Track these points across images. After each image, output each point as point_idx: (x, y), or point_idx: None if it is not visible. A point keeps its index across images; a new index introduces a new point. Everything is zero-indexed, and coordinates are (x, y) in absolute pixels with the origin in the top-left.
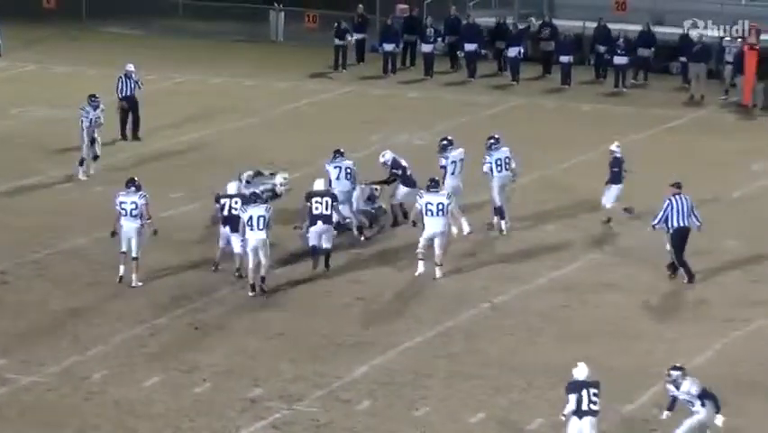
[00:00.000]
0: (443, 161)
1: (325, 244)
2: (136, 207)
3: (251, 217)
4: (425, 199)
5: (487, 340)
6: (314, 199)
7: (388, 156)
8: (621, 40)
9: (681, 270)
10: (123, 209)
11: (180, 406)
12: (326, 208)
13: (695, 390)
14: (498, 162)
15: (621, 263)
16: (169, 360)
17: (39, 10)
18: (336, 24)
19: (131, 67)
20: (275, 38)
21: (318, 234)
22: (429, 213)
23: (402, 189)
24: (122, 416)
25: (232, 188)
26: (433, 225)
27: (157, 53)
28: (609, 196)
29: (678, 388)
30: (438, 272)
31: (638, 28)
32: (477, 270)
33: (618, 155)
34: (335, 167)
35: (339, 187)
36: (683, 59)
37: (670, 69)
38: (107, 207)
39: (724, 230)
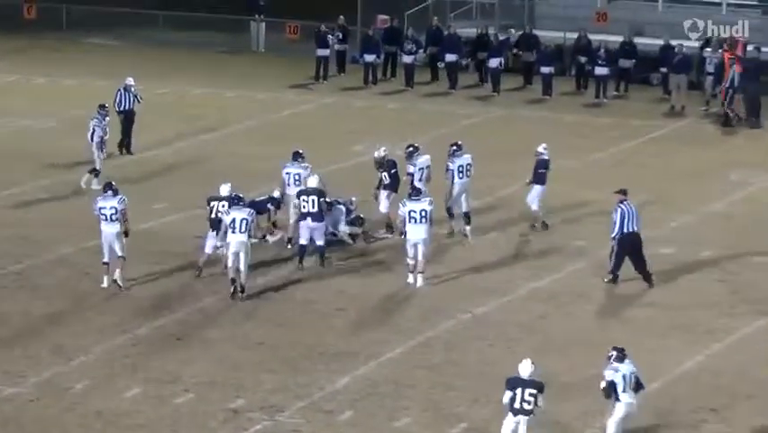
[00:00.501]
0: (411, 168)
1: (319, 241)
2: (116, 212)
3: (233, 220)
4: (408, 207)
5: (467, 351)
6: (301, 198)
7: (386, 152)
8: (602, 51)
9: (611, 268)
10: (102, 214)
11: (162, 417)
12: (313, 206)
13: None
14: (461, 169)
15: (600, 274)
16: (150, 370)
17: (19, 20)
18: (317, 30)
19: (130, 80)
20: (256, 49)
21: (309, 232)
22: (412, 220)
23: (390, 198)
24: (104, 427)
25: (224, 189)
26: (415, 233)
27: (138, 64)
28: (533, 196)
29: (616, 370)
30: (420, 281)
31: (619, 39)
32: (456, 280)
33: (545, 157)
34: (286, 173)
35: (291, 192)
36: (664, 69)
37: (650, 80)
38: (91, 217)
39: (704, 240)
